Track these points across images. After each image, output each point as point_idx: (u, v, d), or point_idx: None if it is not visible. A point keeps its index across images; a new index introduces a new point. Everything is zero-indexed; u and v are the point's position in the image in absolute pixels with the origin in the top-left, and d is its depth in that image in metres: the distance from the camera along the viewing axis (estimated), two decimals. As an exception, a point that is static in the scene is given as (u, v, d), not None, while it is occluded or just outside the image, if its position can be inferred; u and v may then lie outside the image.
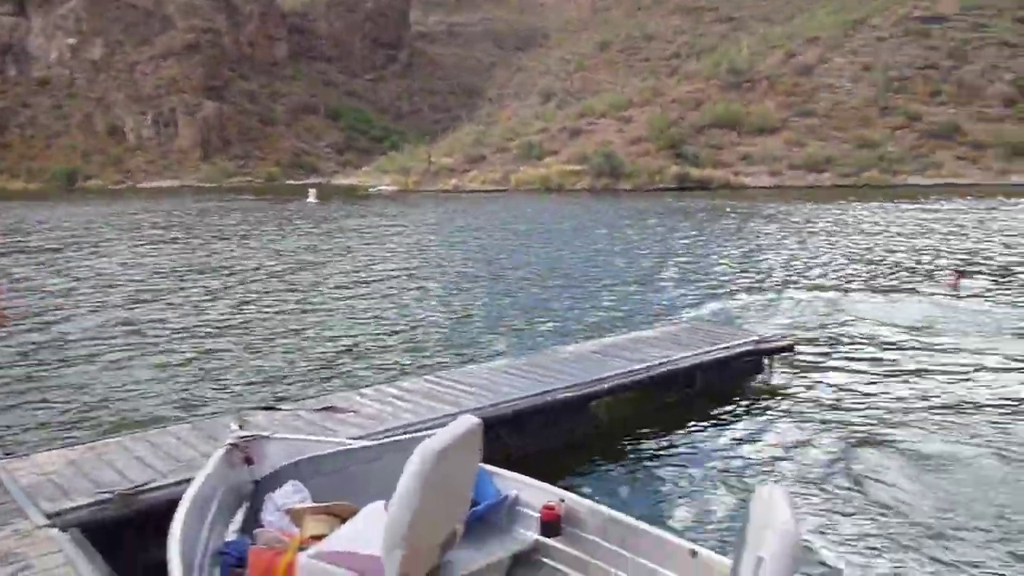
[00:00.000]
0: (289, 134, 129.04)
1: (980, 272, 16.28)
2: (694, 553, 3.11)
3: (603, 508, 3.50)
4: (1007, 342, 10.05)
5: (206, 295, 14.49)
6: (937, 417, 7.16)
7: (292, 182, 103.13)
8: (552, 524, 3.53)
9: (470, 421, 3.10)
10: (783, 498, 2.40)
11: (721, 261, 18.79)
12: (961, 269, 15.20)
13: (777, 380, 8.36)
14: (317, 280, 16.51)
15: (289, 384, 8.42)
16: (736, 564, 2.46)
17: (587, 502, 3.55)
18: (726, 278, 16.04)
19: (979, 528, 4.92)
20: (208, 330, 11.38)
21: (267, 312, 12.85)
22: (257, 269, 18.30)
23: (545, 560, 3.56)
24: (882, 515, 5.16)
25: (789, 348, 8.76)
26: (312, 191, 55.00)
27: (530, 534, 3.63)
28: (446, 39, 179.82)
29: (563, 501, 3.59)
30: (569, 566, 3.47)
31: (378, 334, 11.03)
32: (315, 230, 29.59)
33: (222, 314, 12.65)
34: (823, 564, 4.55)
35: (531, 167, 64.08)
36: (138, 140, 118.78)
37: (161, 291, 14.96)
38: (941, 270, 16.37)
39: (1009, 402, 7.59)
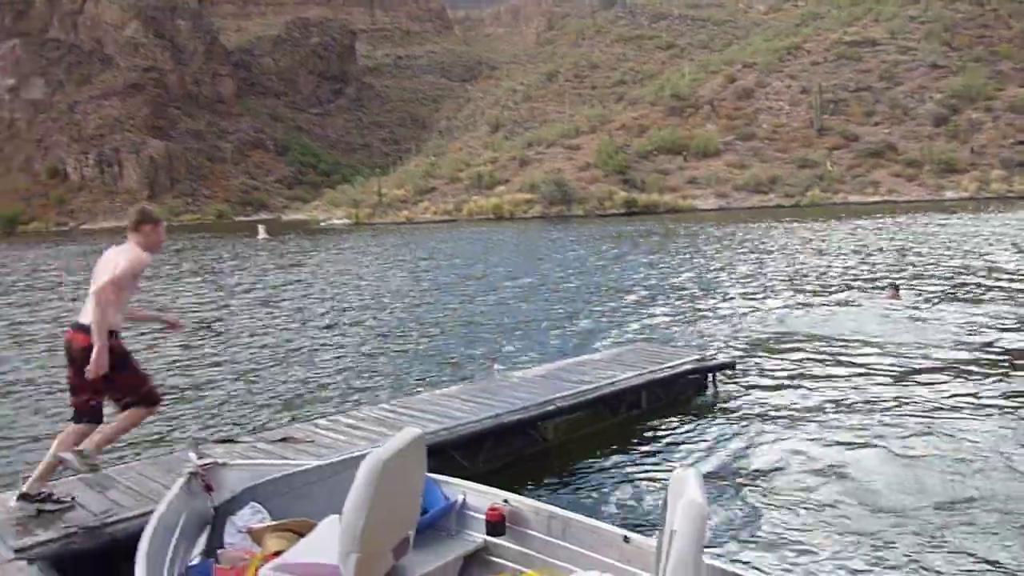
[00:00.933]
0: (237, 171, 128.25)
1: (917, 285, 16.93)
2: (627, 539, 3.39)
3: (544, 505, 3.78)
4: (942, 349, 10.54)
5: (159, 335, 14.48)
6: (876, 421, 7.56)
7: (242, 218, 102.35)
8: (497, 524, 3.78)
9: (413, 432, 3.35)
10: (694, 478, 2.70)
11: (670, 281, 19.25)
12: (898, 283, 15.83)
13: (721, 395, 8.69)
14: (270, 316, 16.56)
15: (246, 419, 8.54)
16: (659, 541, 2.75)
17: (529, 501, 3.82)
18: (673, 298, 16.47)
19: (914, 532, 5.20)
20: (161, 369, 11.41)
21: (221, 350, 12.89)
22: (205, 306, 18.27)
23: (493, 558, 3.81)
24: (819, 519, 5.48)
25: (731, 365, 9.14)
26: (262, 227, 54.76)
27: (478, 535, 3.87)
28: (394, 72, 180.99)
29: (507, 502, 3.84)
30: (515, 561, 3.72)
31: (336, 368, 11.17)
32: (266, 266, 29.54)
33: (176, 353, 12.66)
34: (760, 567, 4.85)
35: (483, 197, 64.66)
36: (81, 180, 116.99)
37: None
38: (881, 284, 17.02)
39: (945, 404, 8.02)
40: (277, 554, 3.55)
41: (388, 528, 3.30)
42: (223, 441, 6.33)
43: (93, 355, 4.39)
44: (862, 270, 20.25)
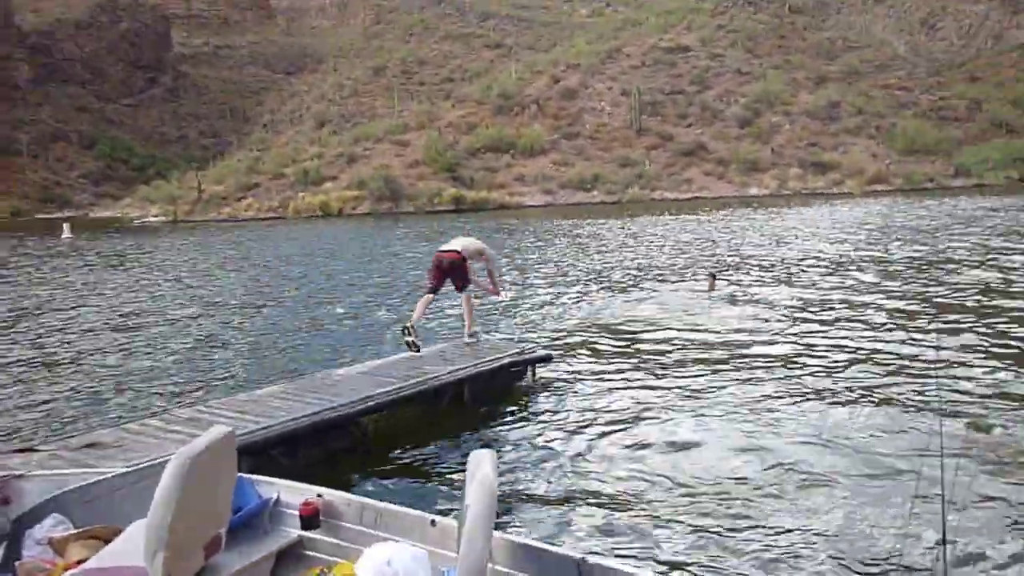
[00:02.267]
0: (37, 164, 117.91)
1: (729, 272, 18.25)
2: (433, 522, 3.58)
3: (356, 497, 3.89)
4: (753, 334, 11.44)
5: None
6: (689, 401, 8.17)
7: (43, 216, 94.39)
8: (311, 518, 3.84)
9: (222, 429, 3.38)
10: (488, 457, 2.97)
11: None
12: (714, 272, 16.98)
13: (540, 387, 9.11)
14: (68, 318, 15.54)
15: (47, 426, 8.06)
16: (459, 518, 2.98)
17: (342, 494, 3.91)
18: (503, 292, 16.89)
19: (710, 510, 5.63)
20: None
21: (16, 355, 12.01)
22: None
23: (308, 552, 3.88)
24: (630, 498, 5.92)
25: (548, 358, 9.59)
26: (66, 225, 50.85)
27: (292, 531, 3.92)
28: (212, 61, 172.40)
29: (320, 496, 3.92)
30: (330, 553, 3.81)
31: (144, 368, 10.70)
32: (66, 265, 27.55)
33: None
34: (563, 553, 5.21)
35: (309, 193, 63.11)
36: None
37: None
38: (696, 274, 18.23)
39: (754, 387, 8.73)
40: (81, 562, 3.46)
41: (197, 526, 3.30)
42: (21, 451, 5.99)
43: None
44: (679, 261, 21.59)
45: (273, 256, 29.29)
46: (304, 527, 3.89)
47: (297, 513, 3.90)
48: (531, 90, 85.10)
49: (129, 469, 4.22)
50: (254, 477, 4.13)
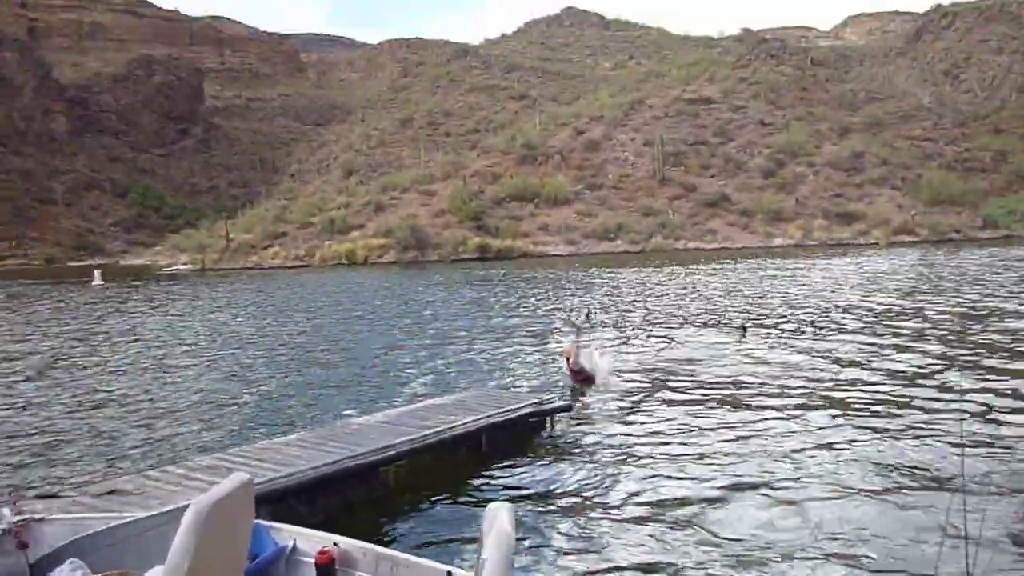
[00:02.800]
0: (71, 213, 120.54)
1: (762, 325, 18.03)
2: (449, 574, 3.56)
3: (372, 546, 3.89)
4: (782, 387, 11.29)
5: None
6: (713, 459, 8.02)
7: (75, 263, 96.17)
8: (327, 567, 3.84)
9: (241, 477, 3.41)
10: (505, 510, 2.98)
11: (516, 324, 19.69)
12: (745, 324, 16.84)
13: (559, 437, 9.06)
14: (96, 365, 15.75)
15: (70, 472, 8.13)
16: (475, 572, 2.97)
17: (359, 542, 3.91)
18: (518, 340, 16.90)
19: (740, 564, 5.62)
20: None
21: (44, 399, 12.17)
22: (31, 354, 17.15)
23: None
24: (649, 560, 5.86)
25: (568, 408, 9.57)
26: (98, 272, 51.74)
27: None
28: (243, 113, 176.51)
29: (336, 544, 3.93)
30: None
31: (169, 418, 10.79)
32: (92, 313, 27.98)
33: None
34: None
35: (336, 242, 63.85)
36: None
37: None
38: (725, 324, 18.09)
39: (784, 434, 8.69)
40: (97, 608, 3.48)
41: (214, 574, 3.33)
42: (44, 496, 6.06)
43: None
44: (708, 312, 21.44)
45: (312, 303, 29.57)
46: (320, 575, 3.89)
47: (313, 561, 3.90)
48: (555, 141, 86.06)
49: (147, 516, 4.26)
50: (270, 524, 4.15)
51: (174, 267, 67.14)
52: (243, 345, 18.42)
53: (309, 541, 4.02)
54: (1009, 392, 10.42)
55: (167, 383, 13.61)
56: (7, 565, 3.89)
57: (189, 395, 12.42)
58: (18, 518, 4.02)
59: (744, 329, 16.06)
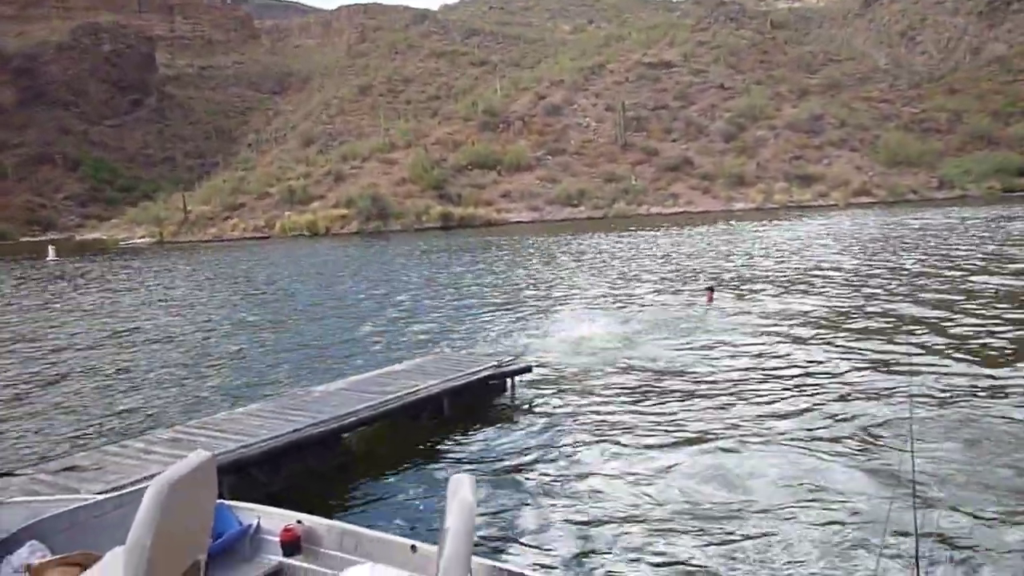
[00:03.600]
0: (22, 187, 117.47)
1: (725, 286, 18.11)
2: (414, 548, 3.61)
3: (337, 523, 3.91)
4: (745, 348, 11.39)
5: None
6: (665, 421, 8.09)
7: (28, 239, 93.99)
8: (292, 544, 3.86)
9: (202, 455, 3.38)
10: (467, 481, 3.03)
11: (477, 288, 19.73)
12: (712, 285, 16.80)
13: (520, 399, 9.12)
14: (52, 341, 15.49)
15: (27, 450, 8.03)
16: (440, 541, 3.00)
17: (323, 520, 3.93)
18: (480, 304, 16.94)
19: (685, 520, 5.69)
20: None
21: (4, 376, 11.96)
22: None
23: None
24: (609, 520, 5.94)
25: (528, 369, 9.62)
26: (51, 248, 50.66)
27: (273, 557, 3.93)
28: (197, 82, 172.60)
29: (300, 522, 3.93)
30: None
31: (127, 392, 10.67)
32: (49, 288, 27.45)
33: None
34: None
35: (296, 213, 63.05)
36: None
37: None
38: (686, 288, 18.18)
39: (732, 388, 8.83)
40: (58, 590, 3.46)
41: (176, 553, 3.29)
42: (0, 475, 5.98)
43: None
44: (675, 274, 21.56)
45: (272, 274, 29.28)
46: (285, 553, 3.90)
47: (278, 539, 3.92)
48: (516, 107, 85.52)
49: (108, 496, 4.22)
50: (234, 504, 4.14)
51: (131, 241, 65.92)
52: (199, 319, 18.22)
53: (273, 519, 4.04)
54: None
55: (121, 359, 13.43)
56: None
57: (142, 371, 12.27)
58: None
59: (712, 291, 16.13)
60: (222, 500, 4.02)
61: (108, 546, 3.63)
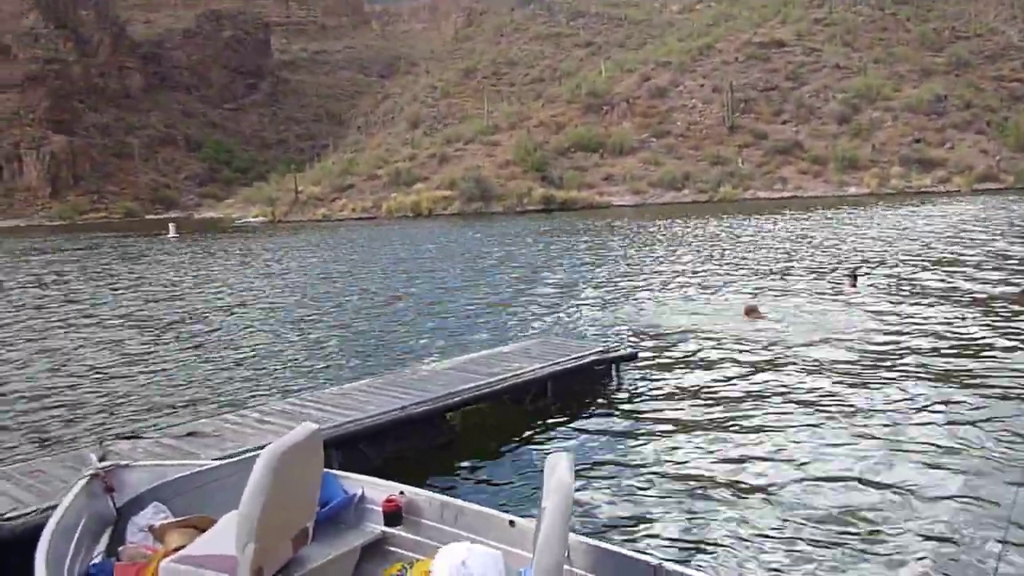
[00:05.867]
0: (147, 167, 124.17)
1: (868, 273, 17.07)
2: (512, 523, 3.64)
3: (437, 495, 3.99)
4: (865, 344, 10.75)
5: (60, 326, 14.10)
6: (774, 415, 7.71)
7: (152, 217, 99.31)
8: (394, 514, 3.96)
9: (310, 427, 3.50)
10: (565, 460, 3.02)
11: (585, 274, 19.60)
12: (855, 271, 15.76)
13: (625, 385, 9.01)
14: (176, 313, 16.30)
15: (154, 413, 8.48)
16: (537, 519, 3.01)
17: (424, 491, 4.01)
18: (588, 290, 16.84)
19: (791, 529, 5.35)
20: (65, 363, 11.17)
21: (133, 345, 12.67)
22: (109, 306, 17.85)
23: (390, 548, 3.98)
24: (711, 508, 5.80)
25: (634, 356, 9.51)
26: (172, 226, 53.33)
27: (376, 526, 4.04)
28: (310, 67, 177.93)
29: (402, 493, 4.02)
30: (412, 550, 3.91)
31: (248, 362, 11.13)
32: (172, 265, 28.93)
33: (78, 347, 12.39)
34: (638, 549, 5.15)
35: (401, 194, 64.29)
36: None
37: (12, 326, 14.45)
38: (834, 274, 17.26)
39: (856, 403, 8.36)
40: (178, 550, 3.62)
41: (285, 519, 3.43)
42: (128, 438, 6.33)
43: None
44: (807, 261, 20.64)
45: (382, 252, 30.00)
46: (387, 523, 4.01)
47: (380, 509, 4.03)
48: (620, 89, 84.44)
49: (223, 463, 4.41)
50: (339, 473, 4.26)
51: (245, 220, 68.70)
52: (314, 294, 18.82)
53: (376, 489, 4.14)
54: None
55: (239, 331, 14.00)
56: (97, 507, 4.08)
57: (262, 343, 12.76)
58: (105, 464, 4.20)
59: (855, 277, 14.99)
60: (329, 470, 4.13)
61: (224, 510, 3.80)
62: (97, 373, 10.93)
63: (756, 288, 16.09)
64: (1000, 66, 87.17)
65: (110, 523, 4.11)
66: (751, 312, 12.55)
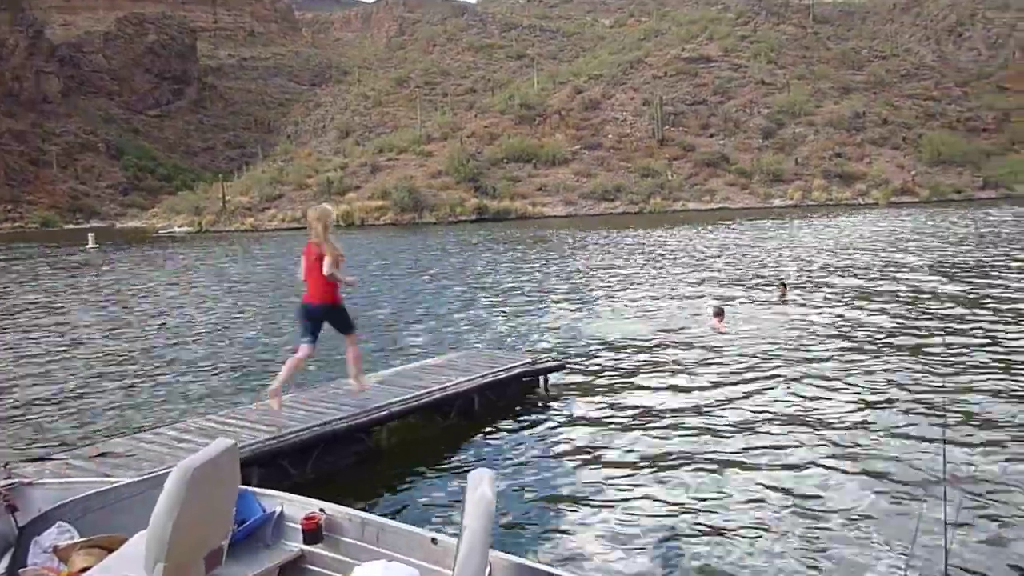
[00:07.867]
0: (65, 175, 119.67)
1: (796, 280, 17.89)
2: (434, 540, 3.60)
3: (358, 512, 3.91)
4: (784, 348, 11.35)
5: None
6: (699, 422, 7.91)
7: (71, 226, 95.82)
8: (314, 532, 3.88)
9: (225, 442, 3.41)
10: (487, 476, 3.01)
11: (513, 285, 19.64)
12: (784, 280, 16.65)
13: (552, 397, 9.05)
14: (84, 330, 15.75)
15: (64, 435, 8.15)
16: (459, 537, 2.99)
17: (344, 509, 3.94)
18: (515, 302, 16.87)
19: (711, 531, 5.54)
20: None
21: (35, 363, 12.17)
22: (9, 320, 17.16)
23: (309, 566, 3.90)
24: (635, 522, 5.86)
25: (561, 367, 9.57)
26: (91, 235, 51.52)
27: (295, 544, 3.95)
28: (238, 73, 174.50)
29: (323, 511, 3.95)
30: (331, 568, 3.83)
31: (166, 381, 10.80)
32: (80, 278, 27.96)
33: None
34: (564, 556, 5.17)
35: (333, 204, 63.36)
36: None
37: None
38: (768, 282, 17.95)
39: (747, 394, 8.69)
40: (84, 571, 3.48)
41: (198, 537, 3.32)
42: (35, 460, 6.07)
43: None
44: (736, 271, 21.20)
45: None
46: (306, 541, 3.92)
47: (300, 527, 3.93)
48: (553, 100, 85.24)
49: (134, 480, 4.26)
50: (258, 490, 4.16)
51: (170, 229, 66.86)
52: (237, 309, 18.41)
53: (296, 507, 4.05)
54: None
55: (160, 349, 13.60)
56: None
57: (182, 360, 12.41)
58: (6, 481, 4.02)
59: (784, 286, 15.72)
60: (248, 487, 4.04)
61: (134, 529, 3.67)
62: (7, 393, 10.47)
63: (685, 296, 16.42)
64: (915, 85, 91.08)
65: (11, 544, 3.93)
66: (719, 315, 12.81)
